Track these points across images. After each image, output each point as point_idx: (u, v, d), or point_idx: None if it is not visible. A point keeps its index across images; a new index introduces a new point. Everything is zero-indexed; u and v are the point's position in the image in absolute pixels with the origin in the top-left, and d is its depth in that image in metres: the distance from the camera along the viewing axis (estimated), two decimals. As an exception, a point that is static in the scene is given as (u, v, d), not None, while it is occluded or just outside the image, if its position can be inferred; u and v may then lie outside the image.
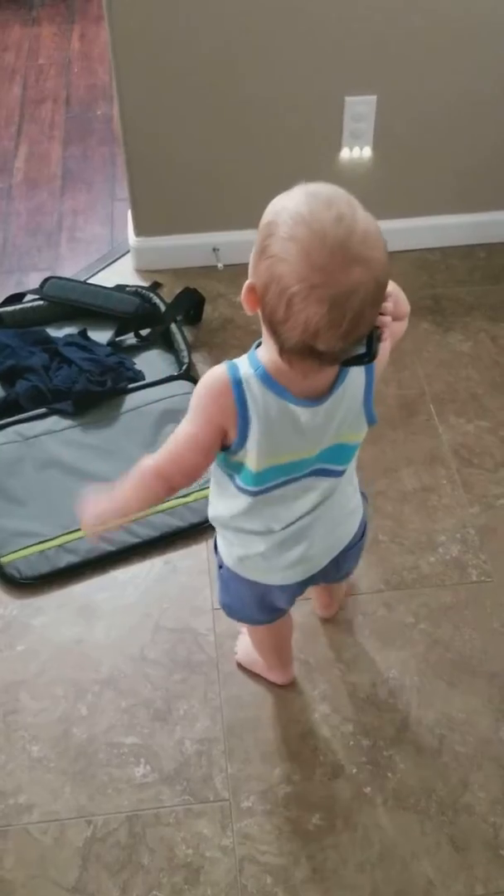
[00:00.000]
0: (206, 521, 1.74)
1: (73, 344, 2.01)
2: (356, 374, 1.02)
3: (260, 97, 2.05)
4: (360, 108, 2.08)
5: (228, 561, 1.22)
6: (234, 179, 2.17)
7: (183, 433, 1.03)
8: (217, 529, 1.22)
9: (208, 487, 1.74)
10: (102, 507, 1.10)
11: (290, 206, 0.87)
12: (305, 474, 1.08)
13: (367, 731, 1.46)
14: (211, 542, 1.70)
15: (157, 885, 1.30)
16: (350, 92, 2.06)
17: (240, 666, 1.53)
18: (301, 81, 2.03)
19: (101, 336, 2.08)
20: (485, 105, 2.10)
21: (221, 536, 1.22)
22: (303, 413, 1.00)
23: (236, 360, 1.00)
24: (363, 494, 1.26)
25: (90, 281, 2.26)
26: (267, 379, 0.97)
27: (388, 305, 0.93)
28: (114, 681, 1.52)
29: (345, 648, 1.56)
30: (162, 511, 1.73)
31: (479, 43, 2.01)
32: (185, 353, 2.03)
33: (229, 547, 1.20)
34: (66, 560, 1.66)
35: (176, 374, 2.00)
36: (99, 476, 1.79)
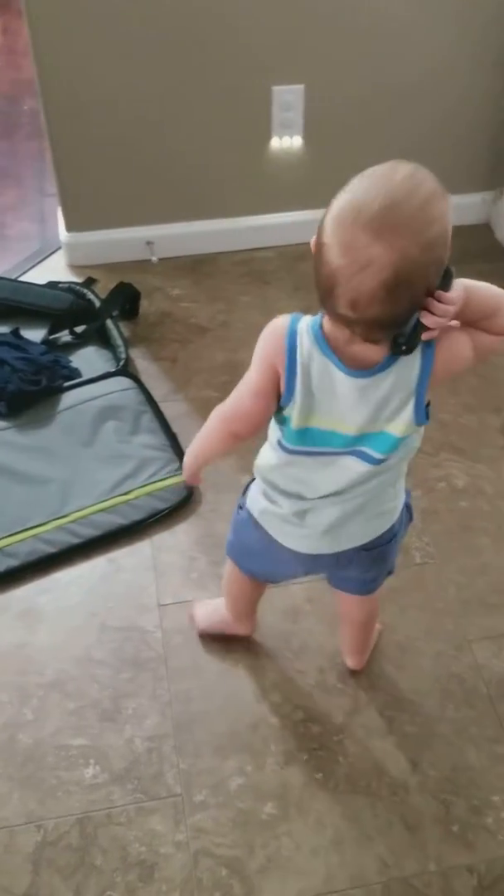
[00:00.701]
0: (149, 517, 1.74)
1: (6, 343, 1.98)
2: (409, 364, 1.00)
3: (187, 89, 2.03)
4: (288, 98, 2.08)
5: (254, 509, 1.24)
6: (165, 172, 2.16)
7: (244, 378, 1.07)
8: (256, 477, 1.23)
9: (150, 484, 1.74)
10: (190, 454, 1.20)
11: (369, 170, 0.91)
12: (343, 451, 1.08)
13: (317, 718, 1.46)
14: (156, 537, 1.69)
15: (111, 886, 1.28)
16: (277, 81, 2.06)
17: (202, 635, 1.54)
18: (228, 72, 2.03)
19: (34, 335, 2.05)
20: (413, 92, 2.12)
21: (256, 485, 1.23)
22: (343, 379, 1.01)
23: (303, 315, 1.03)
24: (409, 509, 1.26)
25: (21, 279, 2.22)
26: (318, 335, 1.00)
27: (446, 308, 0.93)
28: (60, 683, 1.50)
29: (292, 636, 1.56)
30: (104, 510, 1.71)
31: (405, 31, 2.02)
32: (122, 349, 2.01)
33: (258, 496, 1.22)
34: (5, 564, 1.63)
35: (113, 370, 1.98)
36: (38, 477, 1.77)
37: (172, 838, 1.33)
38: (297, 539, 1.21)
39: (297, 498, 1.15)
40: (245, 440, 1.12)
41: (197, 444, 1.19)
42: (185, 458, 1.22)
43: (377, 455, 1.07)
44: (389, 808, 1.36)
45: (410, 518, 1.29)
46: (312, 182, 2.17)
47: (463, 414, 1.92)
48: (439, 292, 0.93)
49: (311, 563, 1.26)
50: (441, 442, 1.86)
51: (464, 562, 1.67)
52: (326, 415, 1.05)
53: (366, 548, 1.22)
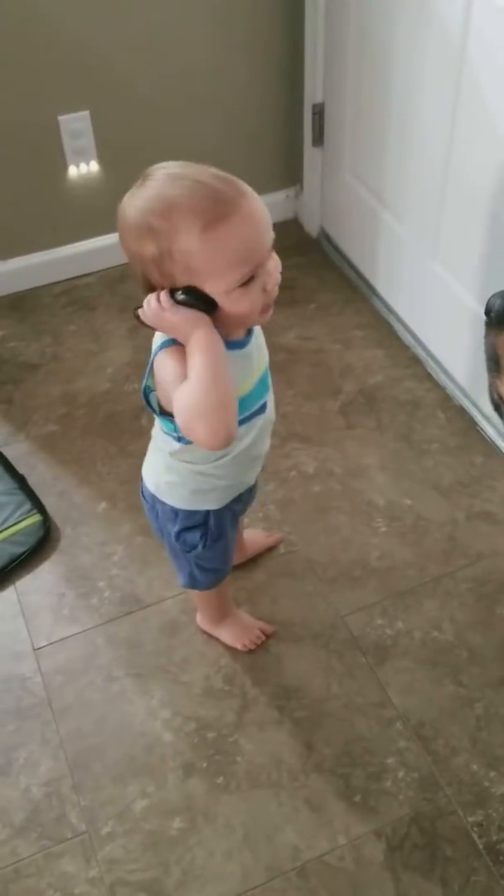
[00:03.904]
0: (9, 563, 1.71)
1: None
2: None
3: (-29, 130, 2.01)
4: (76, 126, 2.09)
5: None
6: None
7: None
8: None
9: (5, 530, 1.71)
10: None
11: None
12: None
13: (210, 724, 1.48)
14: (20, 582, 1.67)
15: (30, 941, 1.26)
16: (62, 111, 2.07)
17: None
18: (11, 108, 2.02)
19: None
20: (196, 102, 2.17)
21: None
22: None
23: None
24: (180, 536, 1.33)
25: None
26: None
27: (149, 307, 1.05)
28: None
29: (173, 651, 1.57)
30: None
31: (175, 46, 2.07)
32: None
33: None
34: None
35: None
36: None
37: (85, 876, 1.32)
38: None
39: None
40: None
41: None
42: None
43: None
44: (292, 795, 1.39)
45: (188, 549, 1.35)
46: (117, 203, 2.17)
47: (303, 403, 1.99)
48: (159, 293, 1.04)
49: None
50: (286, 433, 1.91)
51: (325, 543, 1.73)
52: None
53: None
